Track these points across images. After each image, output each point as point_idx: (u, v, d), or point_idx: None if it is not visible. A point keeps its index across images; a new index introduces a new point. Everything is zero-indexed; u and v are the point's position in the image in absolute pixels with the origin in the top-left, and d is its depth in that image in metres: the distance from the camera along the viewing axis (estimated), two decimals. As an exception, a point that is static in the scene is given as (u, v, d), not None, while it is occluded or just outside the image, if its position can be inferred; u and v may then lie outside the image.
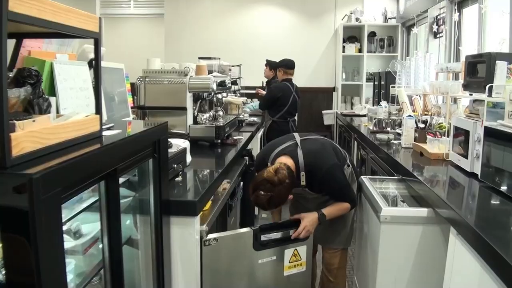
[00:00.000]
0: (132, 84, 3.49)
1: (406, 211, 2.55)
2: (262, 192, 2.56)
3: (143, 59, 3.85)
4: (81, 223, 1.90)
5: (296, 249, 2.75)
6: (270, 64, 6.76)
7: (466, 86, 3.03)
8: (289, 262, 2.74)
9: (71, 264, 1.76)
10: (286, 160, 2.74)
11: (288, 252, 2.72)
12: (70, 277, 1.70)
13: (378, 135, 4.13)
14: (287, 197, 2.70)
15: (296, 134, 2.97)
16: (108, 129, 1.92)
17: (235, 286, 2.60)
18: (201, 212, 2.36)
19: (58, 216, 1.24)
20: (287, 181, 2.58)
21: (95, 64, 1.73)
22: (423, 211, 2.45)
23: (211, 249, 2.39)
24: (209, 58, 4.70)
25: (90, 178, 1.45)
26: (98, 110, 1.73)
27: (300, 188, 2.84)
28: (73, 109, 1.68)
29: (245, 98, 5.98)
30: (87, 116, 1.65)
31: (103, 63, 2.90)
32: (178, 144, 2.74)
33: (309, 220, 2.74)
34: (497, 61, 2.64)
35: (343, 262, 3.13)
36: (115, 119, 2.81)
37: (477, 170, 2.53)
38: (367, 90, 7.99)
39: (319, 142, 2.91)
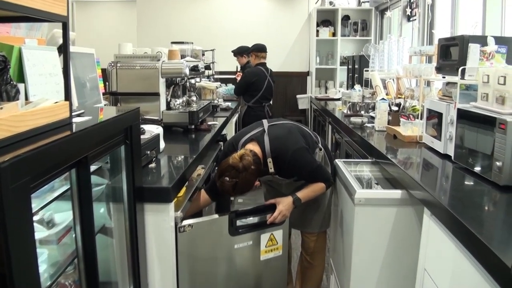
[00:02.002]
0: (104, 70, 3.44)
1: (380, 193, 2.57)
2: (228, 179, 2.55)
3: (115, 44, 3.79)
4: (54, 212, 1.86)
5: (272, 234, 2.76)
6: (240, 52, 6.70)
7: (439, 69, 3.05)
8: (266, 247, 2.75)
9: (44, 254, 1.73)
10: (253, 147, 2.73)
11: (264, 237, 2.73)
12: (43, 267, 1.67)
13: (352, 119, 4.14)
14: (252, 183, 2.67)
15: (265, 121, 2.95)
16: (79, 115, 1.88)
17: (211, 272, 2.60)
18: (176, 199, 2.34)
19: (28, 206, 1.21)
20: (252, 167, 2.57)
21: (63, 49, 1.70)
22: (396, 193, 2.47)
23: (186, 235, 2.38)
24: (182, 43, 4.63)
25: (60, 166, 1.42)
26: (68, 97, 1.69)
27: (270, 176, 2.83)
28: (43, 96, 1.64)
29: (219, 83, 5.94)
30: (56, 102, 1.62)
31: (73, 48, 2.84)
32: (151, 130, 2.70)
33: (284, 204, 2.75)
34: (470, 44, 2.65)
35: (321, 246, 3.16)
36: (86, 106, 2.77)
37: (450, 152, 2.56)
38: (341, 74, 8.01)
39: (286, 127, 2.89)
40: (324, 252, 3.23)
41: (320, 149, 3.00)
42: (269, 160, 2.74)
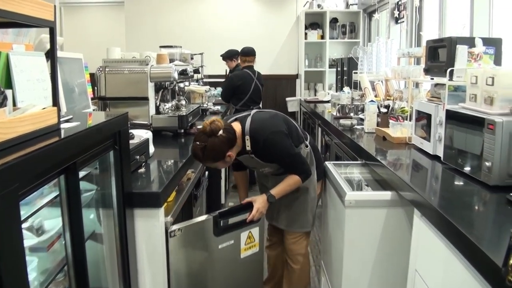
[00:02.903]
0: (92, 75, 3.42)
1: (370, 195, 2.57)
2: (198, 143, 2.60)
3: (104, 48, 3.77)
4: (43, 219, 1.85)
5: (250, 231, 2.83)
6: (228, 56, 6.69)
7: (427, 71, 3.06)
8: (245, 245, 2.82)
9: (34, 262, 1.71)
10: (235, 125, 2.78)
11: (244, 235, 2.80)
12: (33, 275, 1.66)
13: (342, 121, 4.15)
14: (222, 152, 2.65)
15: (256, 109, 3.06)
16: (67, 121, 1.87)
17: (202, 274, 2.61)
18: (166, 203, 2.33)
19: (17, 213, 1.20)
20: (221, 134, 2.60)
21: (51, 54, 1.68)
22: (386, 195, 2.47)
23: (177, 239, 2.37)
24: (171, 47, 4.63)
25: (49, 172, 1.41)
26: (56, 102, 1.68)
27: (247, 155, 2.84)
28: (31, 102, 1.63)
29: (208, 86, 5.93)
30: (44, 108, 1.60)
31: (61, 53, 2.83)
32: (141, 135, 2.69)
33: (260, 202, 2.81)
34: (457, 45, 2.67)
35: (305, 248, 3.14)
36: (75, 111, 2.75)
37: (440, 153, 2.57)
38: (330, 76, 8.03)
39: (271, 113, 2.96)
40: (306, 256, 3.19)
41: (307, 146, 3.01)
42: (247, 137, 2.76)
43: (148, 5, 8.51)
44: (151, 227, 2.22)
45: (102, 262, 2.12)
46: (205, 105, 5.32)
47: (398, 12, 5.90)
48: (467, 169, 2.24)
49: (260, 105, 6.32)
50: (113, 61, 3.56)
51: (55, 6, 1.65)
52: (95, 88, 3.49)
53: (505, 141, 1.99)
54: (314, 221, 3.14)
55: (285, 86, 8.72)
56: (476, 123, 2.15)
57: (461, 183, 2.21)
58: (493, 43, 2.72)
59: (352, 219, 2.49)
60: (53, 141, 1.47)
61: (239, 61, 6.29)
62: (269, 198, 2.83)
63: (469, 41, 2.70)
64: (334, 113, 4.97)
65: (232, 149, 2.71)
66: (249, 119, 2.80)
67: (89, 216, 2.06)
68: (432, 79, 3.00)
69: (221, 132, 2.61)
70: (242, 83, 5.98)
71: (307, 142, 3.02)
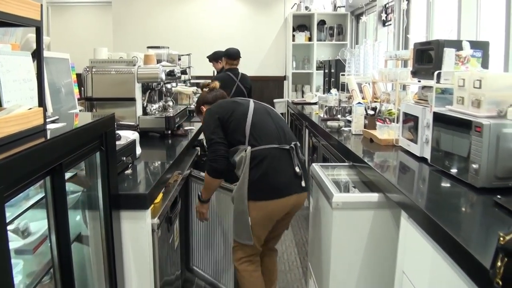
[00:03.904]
0: (79, 75, 3.39)
1: (357, 196, 2.57)
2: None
3: (91, 49, 3.75)
4: (29, 221, 1.83)
5: None
6: (214, 58, 6.66)
7: (414, 73, 3.07)
8: None
9: (20, 265, 1.69)
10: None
11: None
12: (19, 278, 1.64)
13: (329, 123, 4.15)
14: (199, 103, 3.34)
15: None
16: (53, 122, 1.85)
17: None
18: (152, 205, 2.31)
19: (2, 215, 1.17)
20: (205, 90, 3.38)
21: (37, 54, 1.67)
22: (374, 196, 2.48)
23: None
24: (158, 47, 4.60)
25: (35, 174, 1.39)
26: (41, 103, 1.66)
27: None
28: (17, 102, 1.61)
29: (195, 88, 5.90)
30: (30, 109, 1.58)
31: (48, 53, 2.81)
32: (127, 136, 2.68)
33: (197, 203, 3.12)
34: (445, 48, 2.68)
35: (238, 260, 2.97)
36: (61, 112, 2.73)
37: (427, 155, 2.58)
38: (318, 78, 8.05)
39: (242, 101, 3.06)
40: (242, 269, 2.98)
41: (245, 150, 2.77)
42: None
43: (136, 6, 8.47)
44: (138, 229, 2.20)
45: (89, 264, 2.10)
46: (192, 106, 5.30)
47: (385, 15, 5.93)
48: (454, 171, 2.25)
49: None
50: (100, 61, 3.53)
51: (41, 5, 1.63)
52: (82, 88, 3.46)
53: (492, 143, 2.00)
54: (252, 239, 2.85)
55: (273, 87, 8.72)
56: (463, 125, 2.16)
57: (448, 185, 2.22)
58: (481, 46, 2.73)
59: (340, 221, 2.49)
60: (38, 142, 1.45)
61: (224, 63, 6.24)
62: (199, 197, 3.03)
63: (457, 44, 2.71)
64: (322, 115, 4.98)
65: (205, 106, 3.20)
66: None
67: (75, 218, 2.04)
68: (420, 81, 3.01)
69: (206, 88, 3.28)
70: (222, 86, 5.94)
71: (250, 148, 2.76)
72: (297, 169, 2.79)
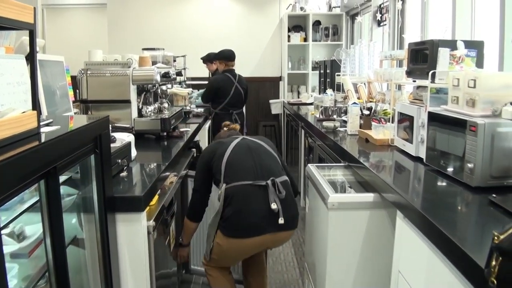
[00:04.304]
0: (74, 77, 3.38)
1: (352, 197, 2.58)
2: None
3: (87, 51, 3.74)
4: (24, 224, 1.82)
5: None
6: (209, 59, 6.66)
7: (409, 73, 3.08)
8: None
9: (15, 269, 1.69)
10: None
11: None
12: (14, 282, 1.63)
13: (325, 123, 4.16)
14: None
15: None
16: (47, 125, 1.84)
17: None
18: (148, 207, 2.30)
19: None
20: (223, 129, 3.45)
21: (30, 57, 1.66)
22: (369, 196, 2.48)
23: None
24: (153, 49, 4.60)
25: (28, 178, 1.39)
26: (35, 106, 1.65)
27: None
28: (11, 105, 1.60)
29: (191, 89, 5.90)
30: (24, 112, 1.58)
31: (43, 56, 2.80)
32: (122, 138, 2.67)
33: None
34: (439, 48, 2.68)
35: (208, 264, 3.00)
36: (56, 114, 2.72)
37: (422, 154, 2.59)
38: (313, 78, 8.04)
39: (227, 141, 3.01)
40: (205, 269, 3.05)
41: (227, 185, 2.76)
42: None
43: (131, 8, 8.46)
44: (133, 232, 2.19)
45: (84, 268, 2.09)
46: (188, 108, 5.30)
47: (380, 15, 5.94)
48: (449, 170, 2.25)
49: (243, 109, 6.32)
50: (95, 63, 3.53)
51: (35, 8, 1.63)
52: (77, 91, 3.46)
53: (487, 142, 2.00)
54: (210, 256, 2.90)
55: (269, 88, 8.72)
56: (458, 125, 2.17)
57: (444, 184, 2.22)
58: (475, 46, 2.74)
59: (335, 221, 2.49)
60: (32, 145, 1.44)
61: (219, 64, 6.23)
62: (180, 243, 3.10)
63: (451, 44, 2.72)
64: (317, 115, 4.98)
65: None
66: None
67: (70, 221, 2.03)
68: (414, 81, 3.02)
69: (225, 128, 3.42)
70: (222, 87, 5.96)
71: (224, 186, 2.74)
72: (273, 206, 2.67)
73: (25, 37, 2.24)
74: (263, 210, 2.68)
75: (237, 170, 2.79)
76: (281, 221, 2.68)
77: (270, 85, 8.72)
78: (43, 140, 1.56)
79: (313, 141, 4.62)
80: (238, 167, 2.80)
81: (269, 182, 2.72)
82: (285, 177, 2.86)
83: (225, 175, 2.77)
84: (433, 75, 2.62)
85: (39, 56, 2.67)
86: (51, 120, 1.93)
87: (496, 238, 1.15)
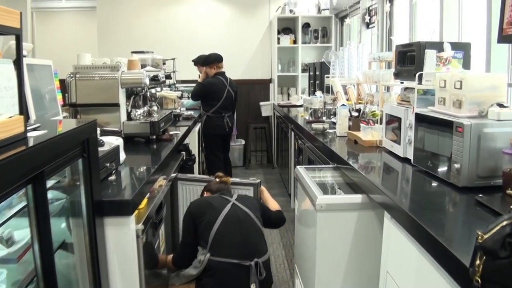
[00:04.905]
0: (63, 81, 3.37)
1: (340, 198, 2.59)
2: None
3: (76, 55, 3.73)
4: (13, 229, 1.81)
5: None
6: (200, 61, 6.65)
7: (397, 75, 3.09)
8: None
9: (3, 274, 1.68)
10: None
11: None
12: (3, 287, 1.63)
13: (314, 125, 4.17)
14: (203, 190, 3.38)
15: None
16: (34, 129, 1.84)
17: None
18: (137, 211, 2.30)
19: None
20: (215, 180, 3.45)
21: (17, 62, 1.65)
22: (357, 198, 2.49)
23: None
24: (142, 52, 4.60)
25: (15, 182, 1.38)
26: (22, 111, 1.65)
27: None
28: (-1, 110, 1.60)
29: (180, 92, 5.90)
30: (11, 117, 1.57)
31: (31, 60, 2.79)
32: (111, 142, 2.66)
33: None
34: (426, 50, 2.70)
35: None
36: (45, 118, 2.71)
37: (410, 155, 2.60)
38: (303, 80, 8.06)
39: (219, 203, 2.96)
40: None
41: (204, 255, 2.78)
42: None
43: (121, 11, 8.44)
44: (122, 235, 2.18)
45: (73, 272, 2.08)
46: (177, 111, 5.29)
47: (369, 17, 5.96)
48: (436, 171, 2.27)
49: (233, 113, 6.33)
50: (83, 67, 3.52)
51: (21, 13, 1.62)
52: (66, 94, 3.44)
53: (474, 143, 2.02)
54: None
55: (259, 90, 8.72)
56: (445, 126, 2.19)
57: (431, 185, 2.24)
58: (462, 48, 2.77)
59: (324, 223, 2.50)
60: (19, 150, 1.43)
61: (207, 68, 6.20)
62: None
63: (438, 46, 2.74)
64: (307, 117, 4.99)
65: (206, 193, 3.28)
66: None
67: (59, 226, 2.02)
68: (402, 83, 3.03)
69: (218, 179, 3.44)
70: (216, 90, 5.98)
71: (209, 256, 2.74)
72: (252, 287, 2.73)
73: (12, 41, 2.23)
74: None
75: (224, 244, 2.78)
76: None
77: (260, 87, 8.73)
78: (30, 144, 1.55)
79: (302, 143, 4.63)
80: (226, 243, 2.79)
81: (252, 264, 2.74)
82: (267, 256, 2.90)
83: (212, 246, 2.76)
84: (420, 76, 2.64)
85: (28, 60, 2.66)
86: (38, 125, 1.92)
87: (480, 237, 1.17)
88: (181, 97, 6.19)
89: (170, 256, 2.99)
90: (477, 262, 1.16)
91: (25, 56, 2.80)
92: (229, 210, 2.88)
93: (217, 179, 3.43)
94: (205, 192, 3.28)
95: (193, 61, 6.69)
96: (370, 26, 6.02)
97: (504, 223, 1.16)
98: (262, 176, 7.66)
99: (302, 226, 3.02)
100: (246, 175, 7.48)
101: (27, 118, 1.89)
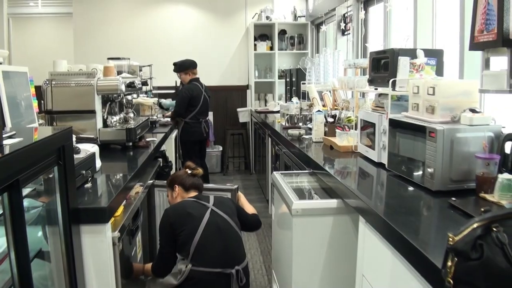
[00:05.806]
0: (39, 88, 3.34)
1: (316, 203, 2.61)
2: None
3: (52, 61, 3.70)
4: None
5: None
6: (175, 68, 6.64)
7: (371, 81, 3.13)
8: None
9: (-20, 283, 1.66)
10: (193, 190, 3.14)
11: None
12: (-21, 296, 1.61)
13: (290, 131, 4.20)
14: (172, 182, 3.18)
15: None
16: (10, 137, 1.82)
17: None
18: (113, 218, 2.29)
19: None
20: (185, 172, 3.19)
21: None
22: (332, 202, 2.52)
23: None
24: (118, 59, 4.58)
25: (-10, 191, 1.37)
26: (-3, 119, 1.64)
27: None
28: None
29: (156, 98, 5.88)
30: (-15, 125, 1.56)
31: (7, 67, 2.76)
32: (87, 149, 2.65)
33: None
34: (400, 57, 2.75)
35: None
36: (21, 126, 2.68)
37: (384, 160, 2.64)
38: (280, 87, 8.10)
39: (199, 212, 2.89)
40: None
41: (186, 266, 2.75)
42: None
43: (97, 17, 8.38)
44: (98, 243, 2.17)
45: (51, 281, 2.06)
46: (154, 117, 5.28)
47: (344, 24, 6.02)
48: (411, 175, 2.31)
49: (208, 118, 6.34)
50: (59, 74, 3.49)
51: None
52: (42, 102, 3.41)
53: (446, 148, 2.06)
54: None
55: (236, 97, 8.73)
56: (418, 131, 2.23)
57: (405, 189, 2.27)
58: (435, 55, 2.81)
59: (300, 227, 2.52)
60: (-7, 158, 1.43)
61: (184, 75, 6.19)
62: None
63: (411, 53, 2.79)
64: (284, 123, 5.02)
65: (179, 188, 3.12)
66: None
67: (35, 234, 2.01)
68: (376, 89, 3.07)
69: (189, 170, 3.17)
70: (195, 96, 5.99)
71: (190, 266, 2.72)
72: None
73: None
74: None
75: (206, 254, 2.75)
76: None
77: (237, 93, 8.74)
78: (5, 152, 1.54)
79: (279, 149, 4.65)
80: (208, 252, 2.76)
81: (233, 271, 2.75)
82: (246, 262, 2.91)
83: (193, 257, 2.73)
84: (394, 83, 2.68)
85: (3, 67, 2.64)
86: (14, 132, 1.91)
87: (451, 239, 1.20)
88: (159, 105, 6.19)
89: (149, 265, 2.95)
90: (449, 263, 1.19)
91: (0, 63, 2.78)
92: (209, 218, 2.84)
93: (188, 170, 3.18)
94: (177, 186, 3.11)
95: (174, 64, 6.67)
96: (345, 33, 6.08)
97: (475, 225, 1.19)
98: (240, 182, 7.66)
99: (279, 231, 3.03)
100: (224, 181, 7.47)
101: (3, 125, 1.88)
